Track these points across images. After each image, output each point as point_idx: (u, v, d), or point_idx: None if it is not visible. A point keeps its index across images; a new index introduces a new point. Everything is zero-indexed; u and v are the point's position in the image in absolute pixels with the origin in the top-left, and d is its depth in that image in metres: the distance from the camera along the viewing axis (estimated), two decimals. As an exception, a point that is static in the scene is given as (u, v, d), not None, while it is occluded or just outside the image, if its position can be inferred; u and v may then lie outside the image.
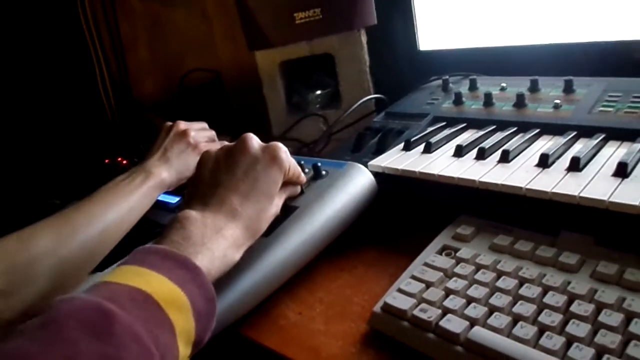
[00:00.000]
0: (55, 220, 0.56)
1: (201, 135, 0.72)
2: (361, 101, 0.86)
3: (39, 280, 0.51)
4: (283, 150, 0.52)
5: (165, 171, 0.66)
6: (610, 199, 0.47)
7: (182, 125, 0.72)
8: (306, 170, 0.63)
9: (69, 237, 0.54)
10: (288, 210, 0.56)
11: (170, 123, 0.73)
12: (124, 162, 0.93)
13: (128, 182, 0.62)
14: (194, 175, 0.52)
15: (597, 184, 0.50)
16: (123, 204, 0.59)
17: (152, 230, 0.65)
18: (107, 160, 0.96)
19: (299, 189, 0.58)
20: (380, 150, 0.70)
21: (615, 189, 0.48)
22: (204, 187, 0.49)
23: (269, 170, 0.50)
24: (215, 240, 0.44)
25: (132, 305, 0.34)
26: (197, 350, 0.40)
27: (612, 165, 0.52)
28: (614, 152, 0.56)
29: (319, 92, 1.00)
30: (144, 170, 0.65)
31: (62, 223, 0.55)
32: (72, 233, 0.55)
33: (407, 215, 0.64)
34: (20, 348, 0.30)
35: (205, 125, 0.75)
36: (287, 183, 0.55)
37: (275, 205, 0.52)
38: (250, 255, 0.52)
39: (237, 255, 0.46)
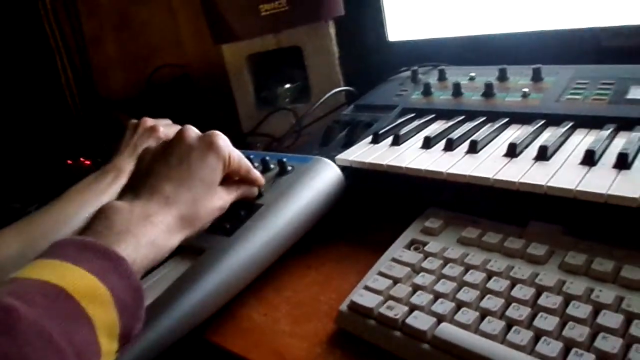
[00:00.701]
0: (23, 224, 0.54)
1: (170, 130, 0.70)
2: (329, 94, 0.84)
3: None
4: (221, 137, 0.50)
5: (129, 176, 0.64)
6: (578, 188, 0.46)
7: (150, 121, 0.70)
8: (271, 166, 0.62)
9: (38, 241, 0.52)
10: (252, 209, 0.55)
11: (135, 120, 0.70)
12: (87, 162, 0.90)
13: (99, 182, 0.60)
14: (132, 171, 0.51)
15: (564, 172, 0.49)
16: (95, 204, 0.57)
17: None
18: (69, 161, 0.93)
19: (255, 190, 0.56)
20: (348, 143, 0.69)
21: (583, 178, 0.47)
22: (137, 179, 0.48)
23: (205, 157, 0.48)
24: (142, 227, 0.42)
25: (41, 301, 0.32)
26: (127, 344, 0.38)
27: (580, 154, 0.51)
28: (582, 140, 0.56)
29: (288, 85, 0.98)
30: (114, 168, 0.63)
31: (31, 227, 0.54)
32: (41, 237, 0.53)
33: (377, 209, 0.63)
34: None
35: (169, 122, 0.73)
36: (242, 182, 0.54)
37: (220, 199, 0.50)
38: (213, 256, 0.50)
39: (171, 242, 0.44)
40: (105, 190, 0.60)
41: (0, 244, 0.51)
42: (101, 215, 0.42)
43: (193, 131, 0.50)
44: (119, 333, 0.36)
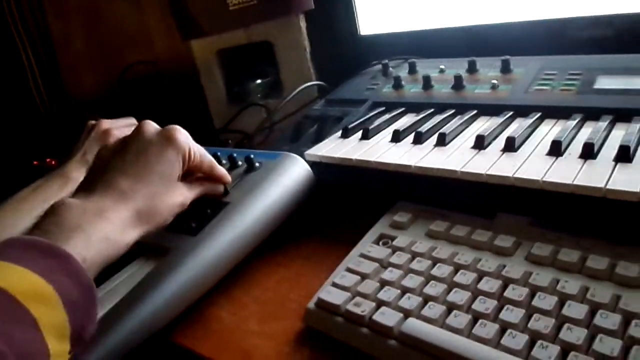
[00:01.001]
0: None
1: (125, 132, 0.68)
2: (300, 88, 0.83)
3: None
4: (180, 131, 0.49)
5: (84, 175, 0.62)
6: (544, 179, 0.45)
7: (105, 124, 0.68)
8: (239, 163, 0.61)
9: None
10: (218, 207, 0.53)
11: (93, 122, 0.68)
12: (53, 162, 0.88)
13: (45, 189, 0.58)
14: (88, 169, 0.50)
15: (531, 163, 0.49)
16: (39, 213, 0.55)
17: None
18: (35, 162, 0.90)
19: (221, 187, 0.55)
20: (319, 138, 0.68)
21: (550, 168, 0.47)
22: (92, 175, 0.47)
23: (163, 151, 0.47)
24: (95, 223, 0.41)
25: None
26: (82, 344, 0.37)
27: (547, 144, 0.51)
28: (550, 131, 0.56)
29: (259, 81, 0.96)
30: (62, 175, 0.61)
31: None
32: None
33: (347, 204, 0.62)
34: None
35: (132, 120, 0.71)
36: (206, 179, 0.53)
37: (180, 194, 0.49)
38: (178, 256, 0.49)
39: (126, 238, 0.43)
40: (50, 199, 0.57)
41: None
42: (50, 212, 0.41)
43: (152, 126, 0.49)
44: (70, 333, 0.35)
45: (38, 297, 0.33)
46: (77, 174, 0.61)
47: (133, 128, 0.69)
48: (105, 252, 0.41)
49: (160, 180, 0.47)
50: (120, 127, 0.68)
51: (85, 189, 0.45)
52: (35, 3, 1.25)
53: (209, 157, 0.53)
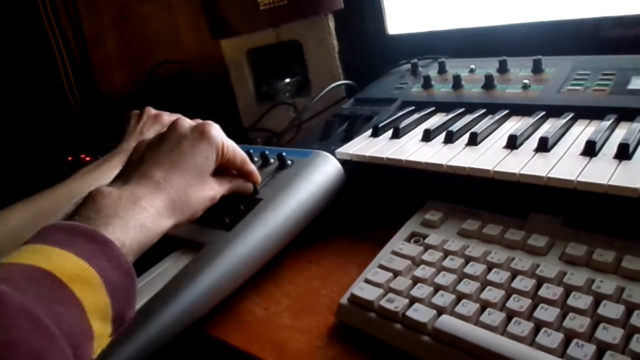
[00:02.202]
0: (34, 198, 0.56)
1: (173, 117, 0.70)
2: (329, 88, 0.84)
3: None
4: (214, 127, 0.50)
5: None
6: (578, 179, 0.45)
7: (153, 110, 0.71)
8: (271, 160, 0.62)
9: (50, 212, 0.54)
10: (251, 203, 0.54)
11: (138, 111, 0.71)
12: (87, 159, 0.90)
13: (107, 162, 0.61)
14: (125, 161, 0.51)
15: (565, 163, 0.49)
16: (104, 182, 0.58)
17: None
18: (70, 158, 0.93)
19: (250, 186, 0.56)
20: (348, 137, 0.68)
21: (584, 169, 0.47)
22: (128, 167, 0.48)
23: (197, 145, 0.49)
24: (131, 210, 0.42)
25: (27, 284, 0.32)
26: (121, 327, 0.38)
27: (581, 144, 0.51)
28: (583, 131, 0.55)
29: (288, 80, 0.97)
30: (122, 150, 0.64)
31: (39, 202, 0.55)
32: (53, 208, 0.54)
33: (377, 202, 0.63)
34: None
35: (171, 114, 0.73)
36: (236, 176, 0.54)
37: (211, 189, 0.50)
38: (212, 251, 0.50)
39: (160, 226, 0.44)
40: (112, 169, 0.60)
41: (11, 217, 0.52)
42: (89, 199, 0.42)
43: (186, 121, 0.51)
44: (112, 316, 0.36)
45: (82, 280, 0.34)
46: None
47: (177, 117, 0.72)
48: (141, 239, 0.42)
49: (193, 173, 0.48)
50: (166, 114, 0.71)
51: (122, 178, 0.46)
52: (70, 2, 1.28)
53: (241, 153, 0.54)
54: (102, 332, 0.35)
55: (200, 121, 0.51)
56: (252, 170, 0.55)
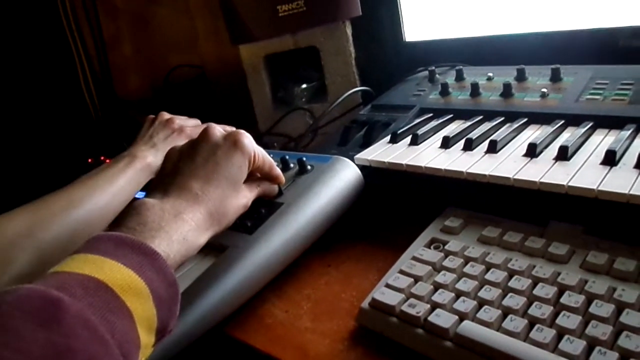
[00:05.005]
0: (32, 204, 0.55)
1: (187, 123, 0.71)
2: (347, 94, 0.84)
3: (17, 263, 0.50)
4: (246, 136, 0.51)
5: (151, 155, 0.65)
6: (599, 188, 0.46)
7: (167, 114, 0.71)
8: (291, 165, 0.62)
9: (47, 220, 0.54)
10: (273, 207, 0.55)
11: (152, 115, 0.72)
12: (107, 161, 0.91)
13: (112, 167, 0.61)
14: (159, 170, 0.52)
15: (585, 172, 0.49)
16: (107, 188, 0.59)
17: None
18: (90, 160, 0.94)
19: (276, 188, 0.57)
20: (366, 143, 0.69)
21: (604, 178, 0.47)
22: (164, 178, 0.49)
23: (231, 155, 0.49)
24: (174, 224, 0.42)
25: (83, 293, 0.32)
26: (162, 339, 0.38)
27: (601, 154, 0.51)
28: (602, 140, 0.56)
29: (304, 85, 0.98)
30: (128, 155, 0.64)
31: (41, 207, 0.55)
32: (50, 216, 0.54)
33: (395, 208, 0.63)
34: None
35: (186, 118, 0.74)
36: (263, 179, 0.55)
37: (244, 197, 0.51)
38: (235, 254, 0.51)
39: (200, 239, 0.45)
40: (117, 174, 0.61)
41: (12, 222, 0.52)
42: (132, 211, 0.42)
43: (218, 130, 0.51)
44: (157, 327, 0.37)
45: (132, 291, 0.35)
46: (143, 154, 0.64)
47: (190, 122, 0.73)
48: (183, 252, 0.42)
49: (228, 184, 0.48)
50: (180, 118, 0.71)
51: (160, 189, 0.47)
52: (90, 5, 1.30)
53: (269, 158, 0.54)
54: (147, 342, 0.36)
55: (229, 129, 0.52)
56: (278, 174, 0.56)
